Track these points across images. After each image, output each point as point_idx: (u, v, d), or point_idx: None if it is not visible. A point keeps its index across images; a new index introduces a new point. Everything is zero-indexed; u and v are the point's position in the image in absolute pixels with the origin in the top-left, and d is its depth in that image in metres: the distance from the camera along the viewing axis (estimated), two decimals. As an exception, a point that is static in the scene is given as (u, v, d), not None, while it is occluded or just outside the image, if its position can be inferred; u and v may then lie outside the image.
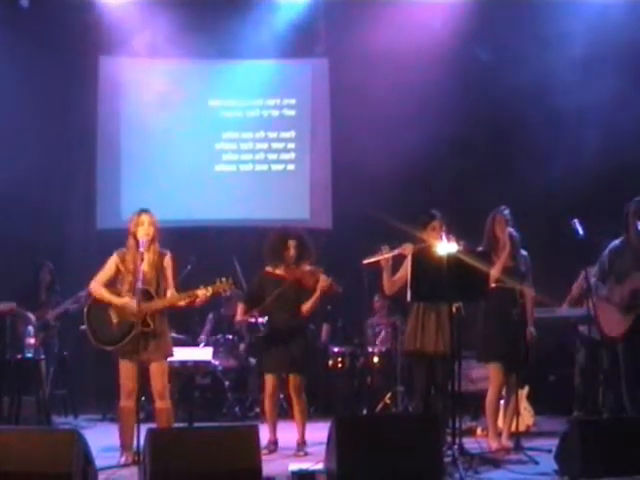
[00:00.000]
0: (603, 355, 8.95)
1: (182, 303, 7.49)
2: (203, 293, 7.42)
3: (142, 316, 7.31)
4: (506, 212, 8.00)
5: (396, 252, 7.73)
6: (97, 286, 7.55)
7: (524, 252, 8.04)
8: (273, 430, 8.28)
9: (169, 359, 7.68)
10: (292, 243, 8.29)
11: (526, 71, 11.25)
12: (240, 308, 8.58)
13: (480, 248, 7.87)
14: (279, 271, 8.33)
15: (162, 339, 7.49)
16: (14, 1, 11.48)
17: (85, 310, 7.63)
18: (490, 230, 8.00)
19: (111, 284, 7.56)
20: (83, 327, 7.71)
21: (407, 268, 7.44)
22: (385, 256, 7.73)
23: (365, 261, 7.86)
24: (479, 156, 11.79)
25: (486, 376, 8.33)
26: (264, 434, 7.60)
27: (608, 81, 10.88)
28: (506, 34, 11.48)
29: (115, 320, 7.44)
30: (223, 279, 7.48)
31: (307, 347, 8.42)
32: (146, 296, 7.36)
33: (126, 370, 7.37)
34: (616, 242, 7.92)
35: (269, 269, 8.39)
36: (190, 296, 7.46)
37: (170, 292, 7.50)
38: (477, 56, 11.84)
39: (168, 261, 7.58)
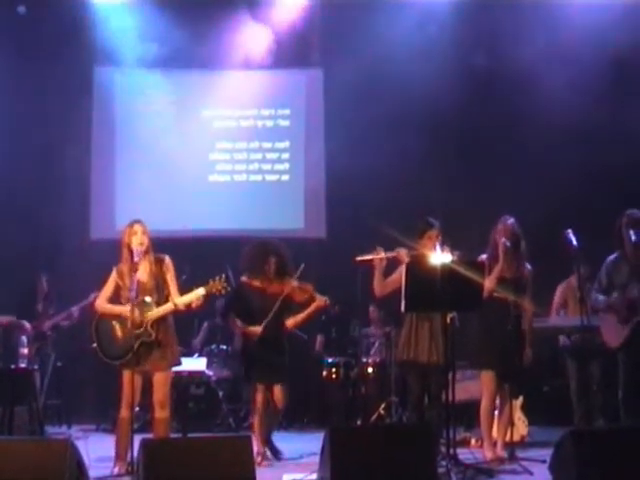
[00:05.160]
0: (593, 365, 8.98)
1: (181, 307, 7.48)
2: (196, 294, 7.42)
3: (142, 327, 7.31)
4: (509, 222, 7.98)
5: (390, 255, 7.74)
6: (100, 302, 7.56)
7: (528, 266, 8.02)
8: (262, 442, 8.29)
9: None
10: (272, 259, 8.37)
11: (525, 76, 11.23)
12: (237, 322, 8.57)
13: (483, 256, 7.88)
14: (257, 283, 8.38)
15: (167, 348, 7.46)
16: (12, 7, 11.51)
17: (93, 327, 7.60)
18: (492, 240, 8.00)
19: (115, 300, 7.56)
20: (94, 345, 7.67)
21: (400, 274, 7.45)
22: (379, 256, 7.74)
23: (359, 258, 7.86)
24: (475, 165, 11.81)
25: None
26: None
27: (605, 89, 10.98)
28: (504, 39, 11.47)
29: (119, 334, 7.42)
30: (216, 279, 7.48)
31: (288, 357, 8.49)
32: (145, 306, 7.36)
33: (129, 381, 7.31)
34: (611, 257, 7.95)
35: (245, 279, 8.46)
36: (185, 300, 7.46)
37: (173, 296, 7.46)
38: (474, 62, 11.83)
39: (168, 265, 7.55)
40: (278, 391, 8.32)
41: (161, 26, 11.49)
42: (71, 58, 11.70)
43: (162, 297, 7.47)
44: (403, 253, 7.71)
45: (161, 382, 7.44)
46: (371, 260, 7.80)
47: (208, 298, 7.60)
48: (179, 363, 7.71)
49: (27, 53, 11.52)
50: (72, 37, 11.62)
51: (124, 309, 7.38)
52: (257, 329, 8.30)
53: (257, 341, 8.30)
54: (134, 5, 11.70)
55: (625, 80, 11.28)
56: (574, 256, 7.81)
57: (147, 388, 7.51)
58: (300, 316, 8.59)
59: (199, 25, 11.61)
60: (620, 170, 11.00)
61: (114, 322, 7.45)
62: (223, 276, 7.53)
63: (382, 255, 7.76)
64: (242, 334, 8.61)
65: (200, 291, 7.43)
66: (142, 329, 7.31)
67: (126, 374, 7.36)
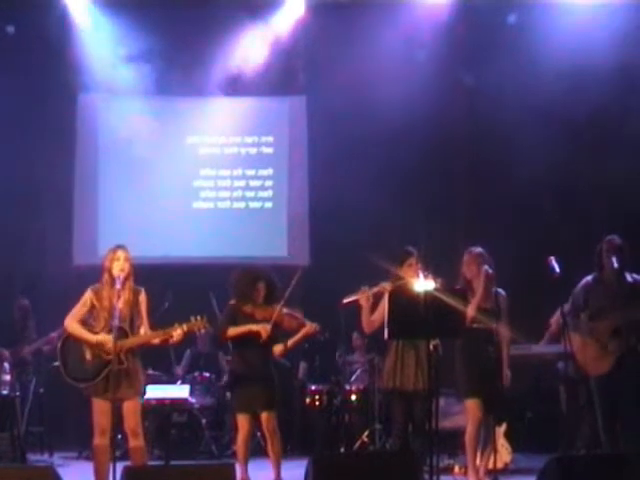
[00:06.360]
0: (580, 391, 8.98)
1: (156, 341, 7.44)
2: (178, 332, 7.37)
3: (115, 354, 7.25)
4: (477, 251, 8.04)
5: (375, 290, 7.73)
6: (71, 322, 7.44)
7: (502, 291, 8.07)
8: (246, 469, 8.22)
9: (145, 396, 7.62)
10: (261, 285, 8.28)
11: (511, 95, 11.21)
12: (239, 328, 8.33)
13: (458, 286, 7.90)
14: (246, 308, 8.29)
15: (135, 377, 7.40)
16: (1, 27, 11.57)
17: (59, 345, 7.53)
18: (463, 269, 8.05)
19: (85, 320, 7.50)
20: (56, 363, 7.63)
21: (384, 307, 7.45)
22: (364, 294, 7.74)
23: (345, 300, 7.86)
24: (458, 191, 11.86)
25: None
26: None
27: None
28: (489, 56, 11.48)
29: (88, 357, 7.33)
30: (198, 317, 7.43)
31: (276, 384, 8.30)
32: (121, 334, 7.32)
33: (99, 408, 7.27)
34: (588, 278, 7.99)
35: (234, 303, 8.31)
36: (165, 334, 7.41)
37: (143, 329, 7.45)
38: (460, 82, 11.88)
39: (143, 298, 7.50)
40: (265, 419, 8.09)
41: (146, 53, 11.52)
42: (55, 83, 11.70)
43: (135, 326, 7.42)
44: (388, 287, 7.70)
45: (131, 410, 7.34)
46: (357, 300, 7.80)
47: (186, 335, 7.54)
48: (144, 392, 7.65)
49: (10, 75, 11.49)
50: (56, 63, 11.63)
51: (93, 337, 7.30)
52: (265, 326, 8.06)
53: (243, 369, 8.20)
54: (119, 31, 11.71)
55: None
56: (556, 283, 7.84)
57: (120, 416, 7.44)
58: (289, 342, 8.41)
59: (184, 52, 11.66)
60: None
61: (84, 344, 7.37)
62: (205, 317, 7.47)
63: (367, 293, 7.76)
64: (233, 359, 8.51)
65: (178, 330, 7.37)
66: (114, 356, 7.25)
67: (96, 401, 7.29)
